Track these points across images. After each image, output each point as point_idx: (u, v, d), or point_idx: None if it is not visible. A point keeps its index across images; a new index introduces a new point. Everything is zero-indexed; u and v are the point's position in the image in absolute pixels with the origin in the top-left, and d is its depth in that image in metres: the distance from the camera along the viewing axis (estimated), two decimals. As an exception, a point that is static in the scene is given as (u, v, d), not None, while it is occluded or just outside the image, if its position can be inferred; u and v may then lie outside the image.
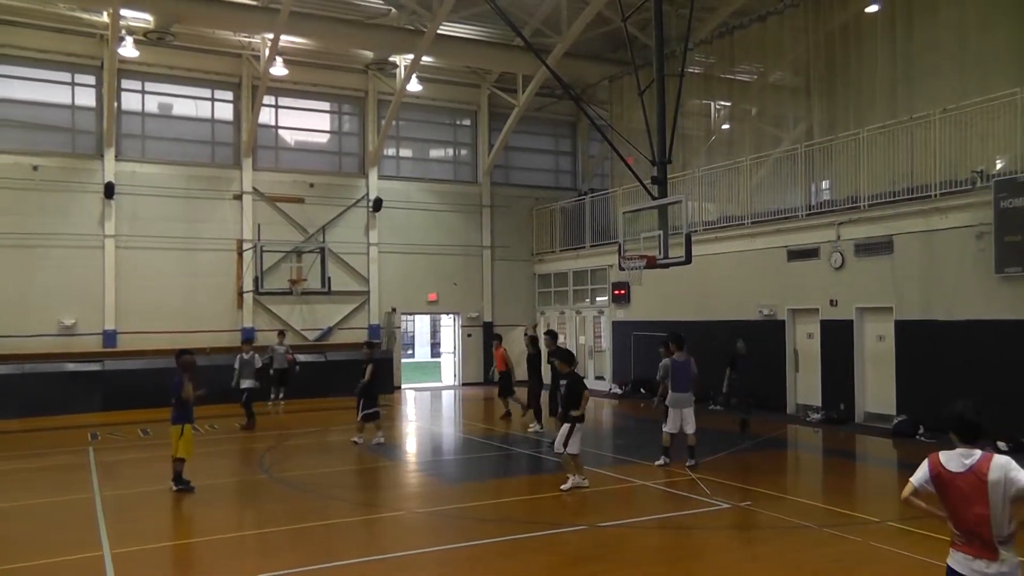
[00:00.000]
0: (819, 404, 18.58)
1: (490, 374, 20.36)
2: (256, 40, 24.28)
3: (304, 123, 26.90)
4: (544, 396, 17.98)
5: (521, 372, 20.08)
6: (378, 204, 26.50)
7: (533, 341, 18.20)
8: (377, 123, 26.84)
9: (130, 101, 24.05)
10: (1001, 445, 13.78)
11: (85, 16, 22.20)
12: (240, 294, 24.66)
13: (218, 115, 25.32)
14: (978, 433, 4.76)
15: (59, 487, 12.50)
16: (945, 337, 15.75)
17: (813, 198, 19.75)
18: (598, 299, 26.60)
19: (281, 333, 23.65)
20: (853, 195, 17.95)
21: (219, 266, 24.49)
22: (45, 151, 22.53)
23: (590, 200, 26.86)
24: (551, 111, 29.64)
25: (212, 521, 10.50)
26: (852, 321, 17.81)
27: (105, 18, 21.83)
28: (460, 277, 28.29)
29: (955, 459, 4.70)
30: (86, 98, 23.42)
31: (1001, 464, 4.57)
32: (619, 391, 24.49)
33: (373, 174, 26.86)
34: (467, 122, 29.30)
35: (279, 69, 23.72)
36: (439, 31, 23.11)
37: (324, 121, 27.35)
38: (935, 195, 16.05)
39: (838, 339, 18.03)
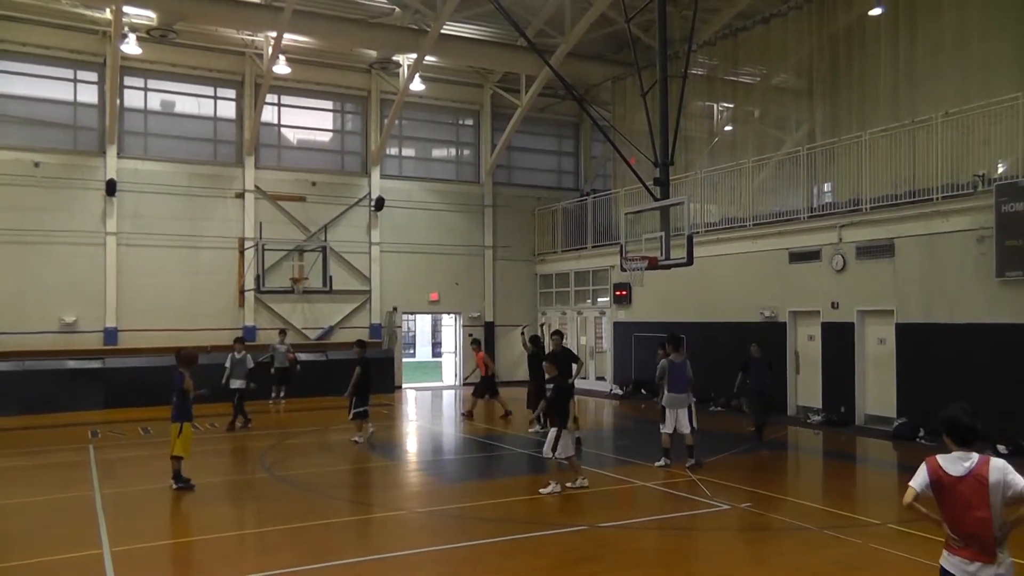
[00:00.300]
0: (820, 406, 18.59)
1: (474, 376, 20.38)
2: (259, 38, 24.30)
3: (307, 122, 26.91)
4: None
5: (508, 372, 20.08)
6: (380, 203, 26.51)
7: (534, 340, 18.19)
8: (380, 122, 26.85)
9: (132, 98, 24.06)
10: (1001, 448, 13.79)
11: (88, 13, 22.20)
12: (241, 292, 24.67)
13: (221, 113, 25.34)
14: (974, 436, 4.75)
15: (59, 485, 12.51)
16: (946, 340, 15.75)
17: (815, 200, 19.75)
18: (599, 300, 26.61)
19: (282, 332, 23.67)
20: (855, 198, 17.95)
21: (221, 264, 24.50)
22: (47, 148, 22.54)
23: (592, 201, 26.86)
24: (554, 111, 29.65)
25: (212, 519, 10.51)
26: (853, 324, 17.81)
27: (108, 15, 21.83)
28: (462, 277, 28.30)
29: (954, 463, 4.68)
30: (88, 95, 23.44)
31: (999, 466, 4.58)
32: (620, 392, 24.50)
33: (375, 173, 26.87)
34: (470, 122, 29.30)
35: (282, 67, 23.73)
36: (443, 31, 23.12)
37: (327, 120, 27.37)
38: (937, 198, 16.04)
39: (839, 341, 18.03)
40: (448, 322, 30.04)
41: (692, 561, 8.72)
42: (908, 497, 4.73)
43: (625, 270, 16.90)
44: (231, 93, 25.37)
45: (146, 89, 24.26)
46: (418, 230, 27.45)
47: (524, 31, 18.70)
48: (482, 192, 28.83)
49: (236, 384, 17.79)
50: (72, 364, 21.66)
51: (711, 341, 19.98)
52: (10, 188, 21.82)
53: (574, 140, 31.24)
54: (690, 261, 15.23)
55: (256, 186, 25.11)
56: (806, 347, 19.15)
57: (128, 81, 23.78)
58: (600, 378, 26.10)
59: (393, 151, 27.76)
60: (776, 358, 19.24)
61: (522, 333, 18.66)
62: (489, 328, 28.47)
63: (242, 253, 24.74)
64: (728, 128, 25.15)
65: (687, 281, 19.96)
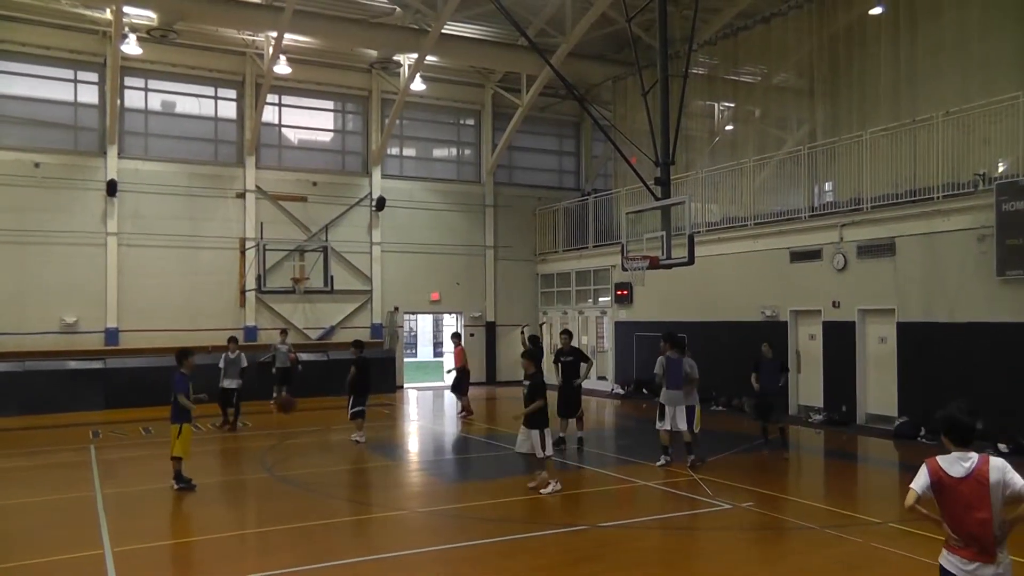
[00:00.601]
0: (821, 405, 18.58)
1: (451, 373, 20.32)
2: (260, 38, 24.31)
3: (307, 122, 26.92)
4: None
5: (509, 372, 20.06)
6: (381, 203, 26.52)
7: (533, 340, 18.15)
8: (381, 122, 26.85)
9: (133, 98, 24.07)
10: (1001, 447, 13.79)
11: (88, 13, 22.21)
12: (242, 292, 24.67)
13: (221, 113, 25.34)
14: (973, 436, 4.74)
15: (60, 485, 12.51)
16: (947, 339, 15.74)
17: (816, 200, 19.75)
18: (601, 299, 26.61)
19: (283, 332, 23.62)
20: (856, 197, 17.94)
21: (221, 264, 24.51)
22: (47, 148, 22.55)
23: (593, 200, 26.86)
24: (555, 111, 29.65)
25: (213, 519, 10.52)
26: (854, 323, 17.80)
27: (108, 15, 21.84)
28: (463, 277, 28.30)
29: (954, 463, 4.67)
30: (89, 95, 23.45)
31: (999, 466, 4.58)
32: (621, 391, 24.50)
33: (376, 173, 26.88)
34: (471, 122, 29.30)
35: (283, 67, 23.73)
36: (443, 30, 23.12)
37: (328, 120, 27.38)
38: (937, 197, 16.04)
39: (840, 340, 18.02)
40: (449, 322, 30.01)
41: (694, 561, 8.72)
42: (910, 499, 4.71)
43: (626, 270, 16.89)
44: (232, 93, 25.37)
45: (147, 89, 24.26)
46: (419, 230, 27.46)
47: (525, 31, 18.70)
48: (483, 192, 28.83)
49: (230, 384, 17.74)
50: (73, 364, 21.67)
51: (712, 341, 19.97)
52: (11, 188, 21.82)
53: (575, 140, 31.24)
54: (691, 260, 15.22)
55: (257, 186, 25.12)
56: (807, 346, 19.14)
57: (128, 81, 23.79)
58: (602, 378, 26.08)
59: (394, 151, 27.77)
60: (778, 357, 19.19)
61: (522, 332, 18.64)
62: (490, 328, 28.48)
63: (243, 253, 24.74)
64: (729, 127, 25.14)
65: (688, 281, 19.95)
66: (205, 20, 22.72)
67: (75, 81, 23.28)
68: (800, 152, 19.65)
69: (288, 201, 25.54)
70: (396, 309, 27.04)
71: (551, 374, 14.64)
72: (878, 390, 17.47)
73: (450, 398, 21.18)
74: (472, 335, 28.40)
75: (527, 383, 11.79)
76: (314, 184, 25.94)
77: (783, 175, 20.38)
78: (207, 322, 23.56)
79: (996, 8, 17.36)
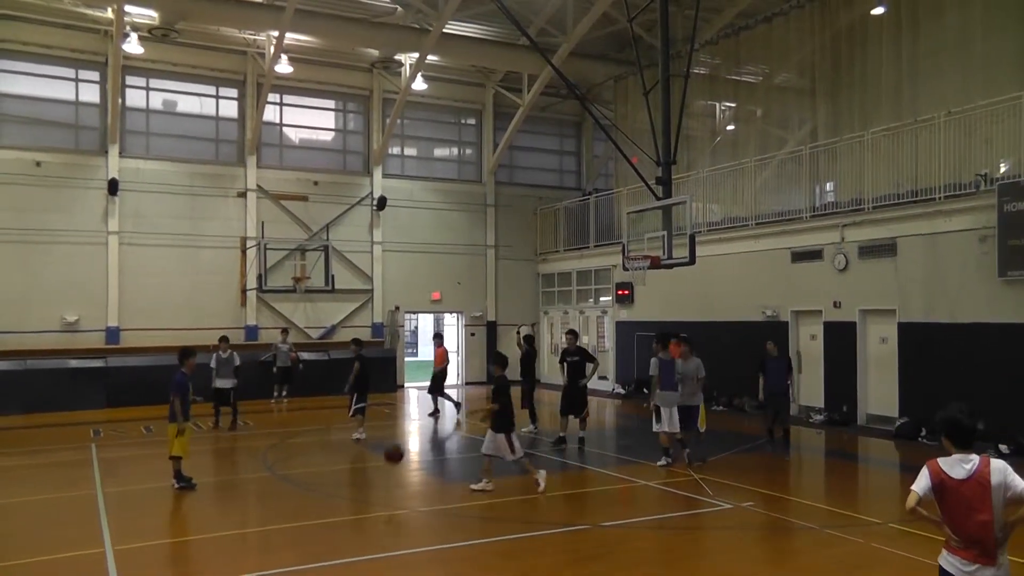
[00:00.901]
0: (822, 406, 18.58)
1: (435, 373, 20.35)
2: (261, 38, 24.31)
3: (309, 121, 26.91)
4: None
5: (511, 372, 20.02)
6: (382, 203, 26.52)
7: (528, 340, 18.15)
8: (382, 121, 26.85)
9: (134, 98, 24.08)
10: (1003, 448, 13.78)
11: (89, 12, 22.21)
12: (243, 292, 24.68)
13: (222, 112, 25.35)
14: (973, 438, 4.73)
15: (62, 483, 12.53)
16: (948, 340, 15.73)
17: (817, 200, 19.74)
18: (602, 299, 26.61)
19: (284, 331, 23.68)
20: (857, 197, 17.93)
21: (223, 263, 24.51)
22: (49, 147, 22.56)
23: (594, 200, 26.86)
24: (556, 111, 29.64)
25: (214, 518, 10.53)
26: (855, 323, 17.79)
27: (110, 14, 21.83)
28: (464, 276, 28.30)
29: (955, 465, 4.66)
30: (90, 94, 23.46)
31: (1000, 468, 4.57)
32: (622, 391, 24.49)
33: (377, 172, 26.88)
34: (472, 121, 29.30)
35: (284, 67, 23.72)
36: (445, 30, 23.12)
37: (329, 119, 27.38)
38: (939, 198, 16.02)
39: (841, 341, 18.01)
40: (450, 321, 30.04)
41: (695, 560, 8.71)
42: (911, 501, 4.70)
43: (627, 269, 16.90)
44: (233, 92, 25.38)
45: (148, 88, 24.27)
46: (420, 229, 27.46)
47: (526, 30, 18.70)
48: (484, 191, 28.83)
49: (224, 383, 17.70)
50: (74, 363, 21.67)
51: (713, 341, 19.93)
52: (12, 187, 21.83)
53: (576, 139, 31.24)
54: (692, 260, 15.22)
55: (258, 185, 25.12)
56: (808, 346, 19.13)
57: (130, 80, 23.80)
58: (603, 377, 26.04)
59: (395, 150, 27.77)
60: (783, 356, 19.18)
61: (517, 333, 18.68)
62: (491, 327, 28.47)
63: (244, 252, 24.74)
64: (730, 127, 25.12)
65: (689, 280, 19.95)
66: (206, 19, 22.72)
67: (76, 80, 23.29)
68: (801, 152, 19.64)
69: (289, 200, 25.54)
70: (397, 308, 27.05)
71: (555, 373, 14.67)
72: (879, 390, 17.46)
73: (451, 397, 21.15)
74: (473, 335, 28.42)
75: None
76: (315, 183, 25.94)
77: (784, 175, 20.37)
78: (208, 321, 23.51)
79: (998, 8, 17.35)
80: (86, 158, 23.02)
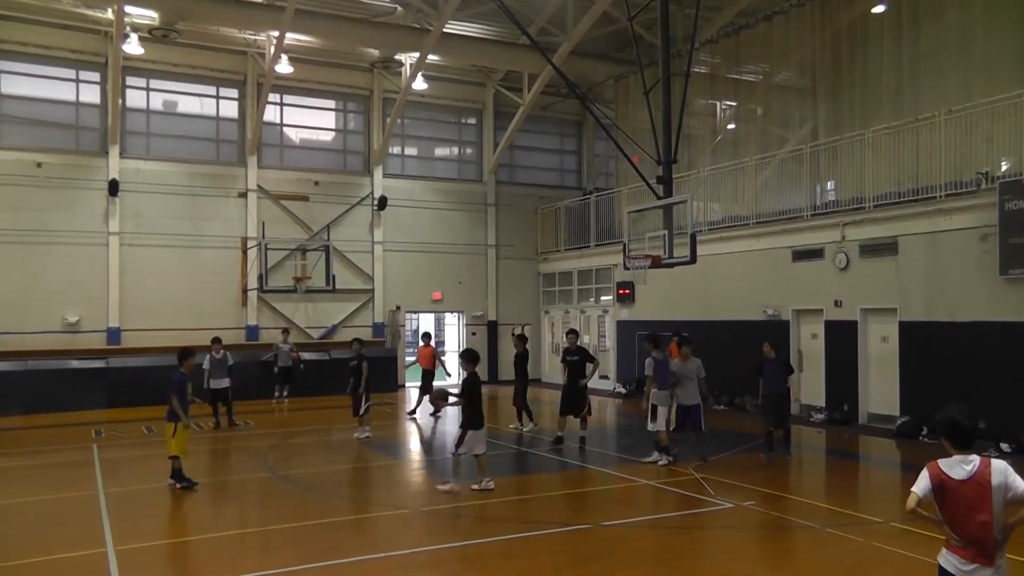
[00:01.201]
0: (823, 404, 18.57)
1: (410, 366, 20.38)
2: (261, 38, 24.30)
3: (309, 121, 26.91)
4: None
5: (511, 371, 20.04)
6: (383, 202, 26.53)
7: (522, 339, 18.14)
8: (382, 121, 26.85)
9: (135, 98, 24.09)
10: (1004, 447, 13.76)
11: (89, 13, 22.20)
12: (244, 292, 24.68)
13: (223, 113, 25.35)
14: (972, 438, 4.72)
15: (63, 484, 12.53)
16: (949, 338, 15.72)
17: (818, 198, 19.73)
18: (603, 298, 26.60)
19: (285, 331, 23.69)
20: (858, 196, 17.92)
21: (223, 264, 24.52)
22: (49, 148, 22.57)
23: (595, 199, 26.85)
24: (556, 110, 29.62)
25: (215, 518, 10.54)
26: (856, 322, 17.78)
27: (110, 15, 21.82)
28: (465, 276, 28.29)
29: (955, 466, 4.65)
30: (90, 95, 23.47)
31: (1001, 469, 4.56)
32: (623, 390, 24.48)
33: (378, 172, 26.88)
34: (472, 121, 29.29)
35: (284, 67, 23.70)
36: (445, 29, 23.11)
37: (329, 119, 27.38)
38: (940, 196, 16.01)
39: (842, 340, 18.00)
40: (451, 321, 30.03)
41: (696, 560, 8.70)
42: (911, 502, 4.69)
43: (628, 269, 16.91)
44: (233, 93, 25.38)
45: (148, 89, 24.28)
46: (421, 229, 27.46)
47: (527, 29, 18.70)
48: (485, 191, 28.82)
49: (218, 384, 17.76)
50: (75, 364, 21.68)
51: (714, 340, 19.93)
52: (13, 188, 21.84)
53: (577, 139, 31.22)
54: (693, 259, 15.22)
55: (259, 185, 25.12)
56: (809, 345, 19.13)
57: (130, 81, 23.80)
58: (604, 377, 26.05)
59: (396, 150, 27.77)
60: (781, 356, 19.15)
61: (513, 333, 18.69)
62: (492, 327, 28.47)
63: (245, 252, 24.75)
64: (731, 126, 25.11)
65: (690, 279, 19.93)
66: (207, 19, 22.73)
67: (77, 81, 23.29)
68: (802, 151, 19.62)
69: (290, 200, 25.55)
70: (398, 308, 27.05)
71: (556, 373, 14.69)
72: (880, 389, 17.45)
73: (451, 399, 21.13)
74: (474, 334, 28.41)
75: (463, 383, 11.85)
76: (316, 183, 25.94)
77: (785, 174, 20.36)
78: (209, 321, 23.47)
79: (998, 7, 17.33)
80: (87, 159, 23.03)
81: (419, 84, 25.77)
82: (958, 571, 4.62)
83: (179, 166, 24.17)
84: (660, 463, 13.17)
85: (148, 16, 22.11)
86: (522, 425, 17.35)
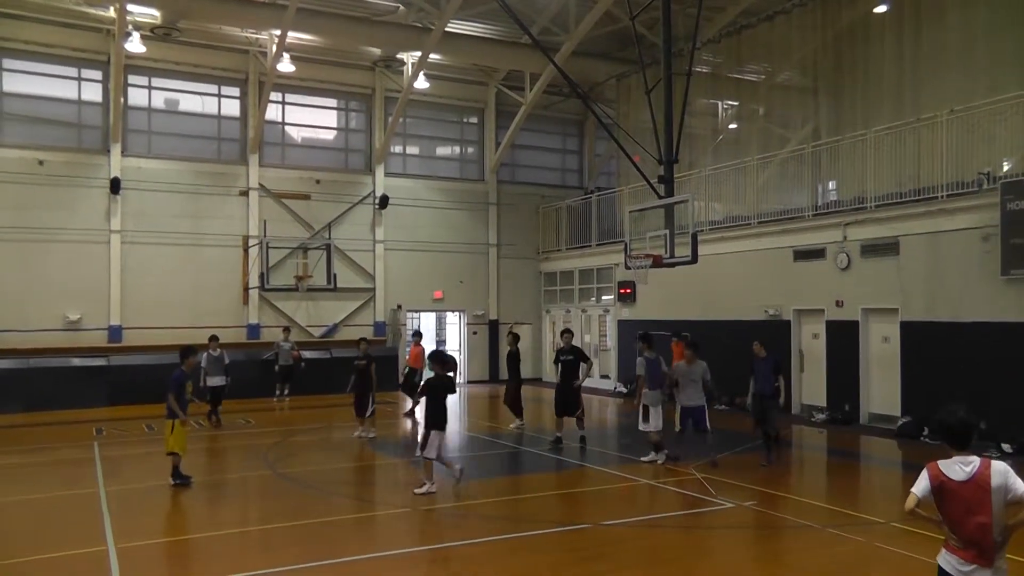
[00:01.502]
0: (824, 404, 18.55)
1: (404, 370, 20.25)
2: (263, 36, 24.31)
3: (311, 120, 26.90)
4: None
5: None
6: (384, 201, 26.53)
7: (515, 339, 18.13)
8: (384, 120, 26.85)
9: (136, 96, 24.09)
10: (1005, 447, 13.74)
11: (92, 11, 22.21)
12: (246, 290, 24.69)
13: (225, 111, 25.35)
14: (971, 439, 4.72)
15: (64, 482, 12.56)
16: (950, 339, 15.71)
17: (819, 198, 19.72)
18: (604, 298, 26.60)
19: (286, 329, 23.70)
20: (859, 196, 17.91)
21: (225, 262, 24.52)
22: (51, 146, 22.58)
23: (596, 199, 26.84)
24: (558, 109, 29.60)
25: (216, 516, 10.55)
26: (857, 322, 17.77)
27: (112, 13, 21.84)
28: (466, 275, 28.29)
29: (955, 467, 4.65)
30: (92, 93, 23.48)
31: (1001, 470, 4.56)
32: (624, 390, 24.46)
33: (380, 171, 26.88)
34: (474, 120, 29.29)
35: (286, 65, 23.70)
36: (447, 28, 23.12)
37: (331, 118, 27.37)
38: (941, 196, 15.99)
39: (843, 340, 17.99)
40: (452, 320, 30.04)
41: (696, 559, 8.71)
42: (910, 503, 4.70)
43: (629, 268, 16.89)
44: (235, 91, 25.38)
45: (150, 87, 24.28)
46: (422, 228, 27.46)
47: (528, 29, 18.68)
48: (486, 190, 28.82)
49: (214, 381, 17.87)
50: (76, 362, 21.71)
51: (715, 340, 19.91)
52: (14, 186, 21.85)
53: (578, 138, 31.22)
54: (694, 259, 15.20)
55: (260, 184, 25.13)
56: (810, 345, 19.12)
57: (132, 79, 23.80)
58: (604, 376, 26.08)
59: (397, 149, 27.77)
60: (780, 356, 19.14)
61: (509, 332, 18.70)
62: (493, 326, 28.47)
63: (246, 251, 24.76)
64: (732, 126, 25.11)
65: (692, 279, 19.91)
66: (209, 18, 22.74)
67: (79, 79, 23.29)
68: (804, 151, 19.62)
69: (291, 199, 25.56)
70: (399, 307, 27.06)
71: (551, 373, 14.67)
72: (881, 389, 17.44)
73: (451, 398, 21.13)
74: (475, 333, 28.43)
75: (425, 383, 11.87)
76: (317, 182, 25.95)
77: (786, 174, 20.35)
78: (210, 320, 23.47)
79: (1001, 7, 17.32)
80: (88, 157, 23.04)
81: (421, 83, 25.76)
82: (957, 572, 4.62)
83: (181, 164, 24.18)
84: (658, 462, 13.16)
85: (150, 14, 22.14)
86: (522, 423, 17.34)
